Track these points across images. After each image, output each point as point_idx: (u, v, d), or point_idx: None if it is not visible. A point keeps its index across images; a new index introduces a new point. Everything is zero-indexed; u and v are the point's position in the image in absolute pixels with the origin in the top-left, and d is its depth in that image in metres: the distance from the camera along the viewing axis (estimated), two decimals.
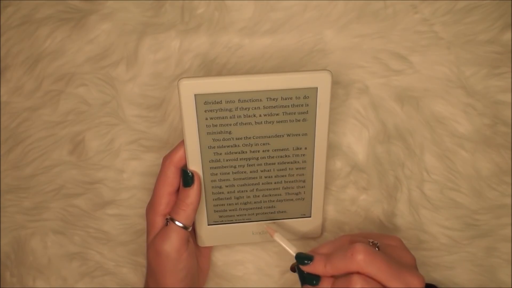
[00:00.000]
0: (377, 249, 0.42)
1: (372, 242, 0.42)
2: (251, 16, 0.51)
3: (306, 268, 0.42)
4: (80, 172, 0.54)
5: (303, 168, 0.47)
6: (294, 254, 0.43)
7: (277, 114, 0.43)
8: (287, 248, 0.44)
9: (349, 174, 0.52)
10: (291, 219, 0.49)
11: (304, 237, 0.51)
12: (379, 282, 0.39)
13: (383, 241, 0.43)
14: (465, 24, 0.51)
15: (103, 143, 0.53)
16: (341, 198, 0.53)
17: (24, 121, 0.53)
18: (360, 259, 0.39)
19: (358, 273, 0.39)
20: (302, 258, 0.42)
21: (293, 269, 0.44)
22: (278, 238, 0.45)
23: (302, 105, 0.43)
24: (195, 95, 0.41)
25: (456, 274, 0.53)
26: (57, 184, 0.54)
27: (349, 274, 0.39)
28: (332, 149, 0.52)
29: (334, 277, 0.41)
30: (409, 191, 0.52)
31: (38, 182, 0.54)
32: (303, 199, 0.48)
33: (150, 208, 0.46)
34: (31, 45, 0.52)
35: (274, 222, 0.49)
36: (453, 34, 0.51)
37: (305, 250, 0.43)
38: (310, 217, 0.50)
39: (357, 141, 0.52)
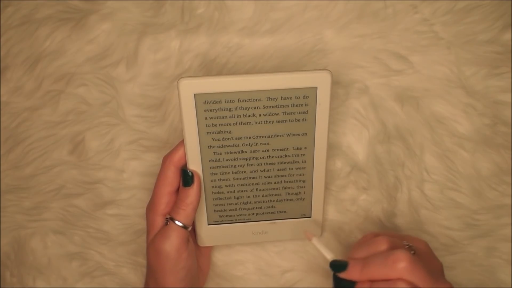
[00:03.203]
0: (413, 252, 0.41)
1: (408, 245, 0.42)
2: (251, 16, 0.51)
3: (341, 275, 0.41)
4: (80, 172, 0.54)
5: (303, 168, 0.46)
6: (330, 259, 0.43)
7: (277, 114, 0.43)
8: (324, 253, 0.44)
9: (349, 174, 0.52)
10: (291, 219, 0.49)
11: (304, 237, 0.51)
12: None
13: (415, 244, 0.43)
14: (465, 24, 0.51)
15: (103, 143, 0.53)
16: (341, 198, 0.53)
17: (24, 121, 0.53)
18: (402, 267, 0.38)
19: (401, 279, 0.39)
20: (337, 266, 0.42)
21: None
22: (316, 242, 0.45)
23: (301, 105, 0.43)
24: (194, 94, 0.41)
25: (456, 274, 0.53)
26: (57, 184, 0.54)
27: (391, 280, 0.39)
28: (332, 149, 0.52)
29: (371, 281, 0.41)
30: (409, 191, 0.52)
31: (38, 182, 0.54)
32: (303, 199, 0.48)
33: (150, 207, 0.46)
34: (31, 45, 0.52)
35: (274, 222, 0.49)
36: (453, 34, 0.51)
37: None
38: (310, 217, 0.49)
39: (357, 141, 0.52)
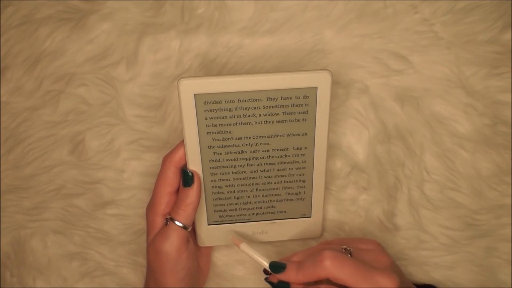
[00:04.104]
0: (349, 255, 0.42)
1: (345, 248, 0.43)
2: (251, 16, 0.51)
3: (279, 276, 0.43)
4: (80, 172, 0.54)
5: (303, 168, 0.46)
6: (266, 263, 0.44)
7: (277, 114, 0.43)
8: (257, 258, 0.45)
9: (349, 174, 0.52)
10: (291, 219, 0.49)
11: (304, 237, 0.51)
12: (348, 287, 0.40)
13: (357, 245, 0.44)
14: (465, 24, 0.51)
15: (103, 143, 0.53)
16: (341, 198, 0.53)
17: (24, 121, 0.53)
18: (328, 264, 0.39)
19: (327, 280, 0.40)
20: (276, 267, 0.43)
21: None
22: (245, 248, 0.46)
23: (302, 105, 0.43)
24: (195, 95, 0.41)
25: (456, 274, 0.52)
26: (57, 184, 0.54)
27: (318, 282, 0.41)
28: (332, 149, 0.52)
29: (305, 284, 0.42)
30: (409, 191, 0.52)
31: (38, 182, 0.54)
32: (303, 199, 0.48)
33: (150, 208, 0.46)
34: (31, 45, 0.52)
35: (274, 222, 0.49)
36: (453, 34, 0.51)
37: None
38: (310, 217, 0.50)
39: (357, 141, 0.52)
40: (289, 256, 0.45)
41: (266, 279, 0.44)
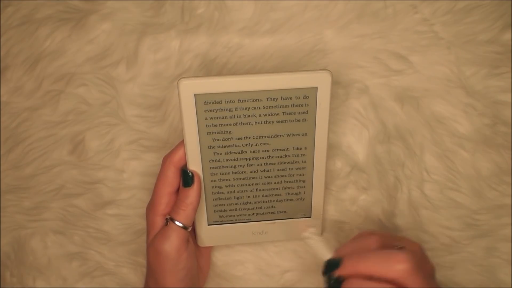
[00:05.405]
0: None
1: (399, 246, 0.41)
2: (251, 16, 0.51)
3: (336, 271, 0.40)
4: (80, 172, 0.54)
5: (303, 168, 0.46)
6: (324, 258, 0.42)
7: (277, 114, 0.43)
8: (318, 250, 0.44)
9: (349, 174, 0.52)
10: (291, 219, 0.49)
11: (304, 237, 0.51)
12: None
13: (408, 246, 0.42)
14: (465, 24, 0.51)
15: (103, 143, 0.53)
16: (341, 198, 0.53)
17: (24, 121, 0.53)
18: (402, 269, 0.38)
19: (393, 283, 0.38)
20: (332, 265, 0.41)
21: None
22: (311, 241, 0.45)
23: (302, 105, 0.43)
24: (195, 95, 0.41)
25: (456, 274, 0.53)
26: (57, 184, 0.54)
27: (385, 280, 0.38)
28: (332, 149, 0.52)
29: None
30: (409, 191, 0.52)
31: (38, 182, 0.54)
32: (303, 199, 0.48)
33: (150, 208, 0.46)
34: (31, 45, 0.52)
35: (274, 222, 0.49)
36: (453, 34, 0.51)
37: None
38: (310, 217, 0.50)
39: (357, 141, 0.52)
40: (341, 249, 0.42)
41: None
